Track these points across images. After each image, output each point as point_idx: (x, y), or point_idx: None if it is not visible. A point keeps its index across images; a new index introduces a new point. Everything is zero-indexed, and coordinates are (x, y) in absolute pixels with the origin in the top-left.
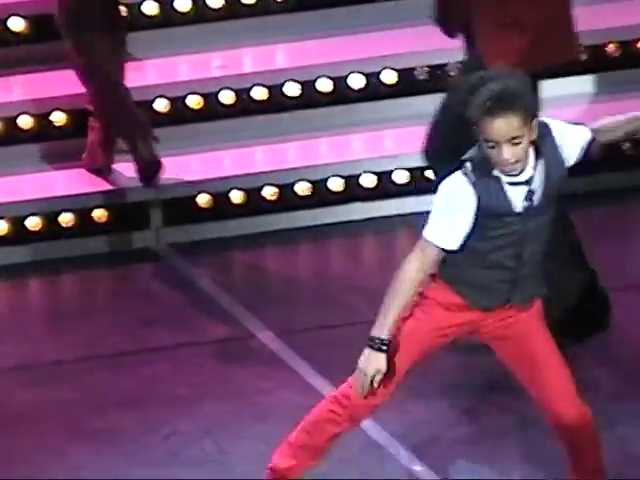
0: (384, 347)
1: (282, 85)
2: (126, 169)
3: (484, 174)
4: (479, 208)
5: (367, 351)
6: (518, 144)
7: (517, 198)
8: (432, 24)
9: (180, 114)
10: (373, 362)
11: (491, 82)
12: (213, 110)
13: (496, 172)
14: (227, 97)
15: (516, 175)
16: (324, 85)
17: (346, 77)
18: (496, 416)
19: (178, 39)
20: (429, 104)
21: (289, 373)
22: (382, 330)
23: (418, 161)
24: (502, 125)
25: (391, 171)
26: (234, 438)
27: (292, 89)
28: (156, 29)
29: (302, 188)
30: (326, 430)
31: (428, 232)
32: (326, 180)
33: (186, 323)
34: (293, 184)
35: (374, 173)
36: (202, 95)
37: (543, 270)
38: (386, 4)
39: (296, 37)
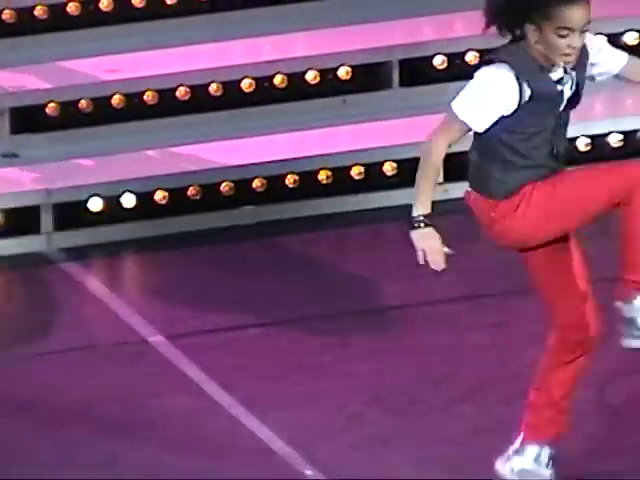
0: (427, 222)
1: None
2: (16, 173)
3: (526, 67)
4: (529, 94)
5: (415, 233)
6: (585, 32)
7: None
8: None
9: (72, 117)
10: (427, 239)
11: None
12: (105, 114)
13: (536, 64)
14: (117, 101)
15: (554, 72)
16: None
17: (239, 80)
18: (385, 420)
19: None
20: None
21: (180, 377)
22: (421, 208)
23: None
24: (581, 11)
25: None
26: (126, 442)
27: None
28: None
29: (192, 192)
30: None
31: (458, 107)
32: (219, 184)
33: (77, 327)
34: (185, 188)
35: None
36: (93, 99)
37: None
38: None
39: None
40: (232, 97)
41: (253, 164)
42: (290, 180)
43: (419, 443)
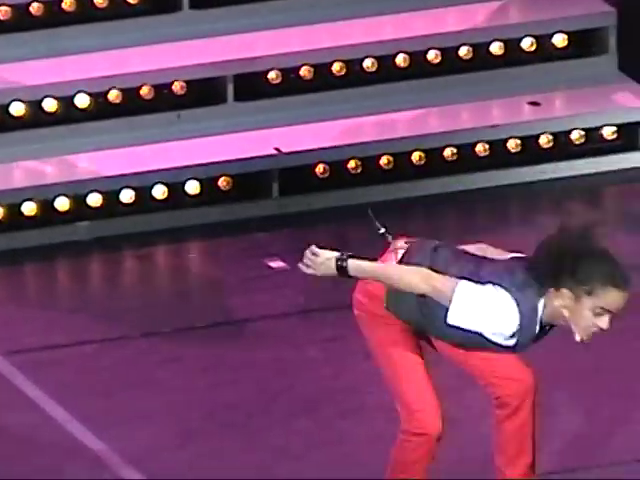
0: (344, 265)
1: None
2: None
3: (529, 317)
4: (513, 342)
5: (331, 256)
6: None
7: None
8: None
9: None
10: (327, 267)
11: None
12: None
13: (540, 316)
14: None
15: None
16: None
17: (73, 96)
18: (222, 435)
19: None
20: None
21: (16, 394)
22: (356, 266)
23: None
24: (623, 299)
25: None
26: None
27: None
28: None
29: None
30: (415, 464)
31: (454, 317)
32: (53, 199)
33: None
34: (19, 204)
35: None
36: None
37: None
38: None
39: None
40: (68, 113)
41: (89, 179)
42: (126, 196)
43: (257, 458)
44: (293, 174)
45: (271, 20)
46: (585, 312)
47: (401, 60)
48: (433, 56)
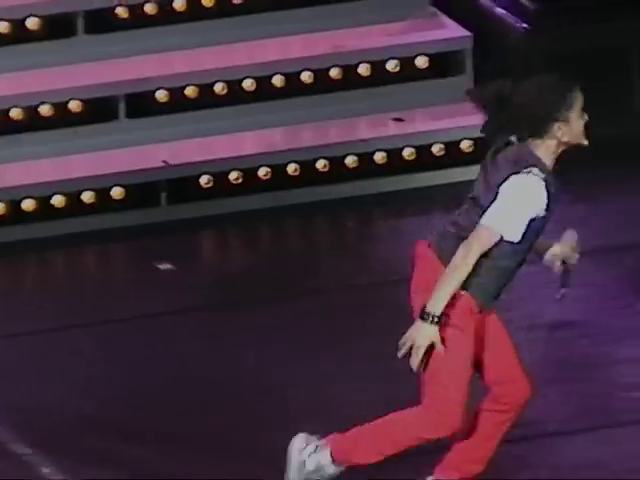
0: (437, 321)
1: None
2: None
3: (546, 179)
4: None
5: (420, 324)
6: None
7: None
8: None
9: None
10: (427, 334)
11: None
12: None
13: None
14: None
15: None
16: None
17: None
18: (118, 421)
19: None
20: None
21: None
22: (438, 307)
23: None
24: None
25: None
26: None
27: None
28: None
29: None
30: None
31: (497, 223)
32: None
33: None
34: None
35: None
36: None
37: None
38: None
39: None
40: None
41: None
42: (27, 204)
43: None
44: (180, 184)
45: (159, 44)
46: (578, 122)
47: (278, 81)
48: (307, 77)
